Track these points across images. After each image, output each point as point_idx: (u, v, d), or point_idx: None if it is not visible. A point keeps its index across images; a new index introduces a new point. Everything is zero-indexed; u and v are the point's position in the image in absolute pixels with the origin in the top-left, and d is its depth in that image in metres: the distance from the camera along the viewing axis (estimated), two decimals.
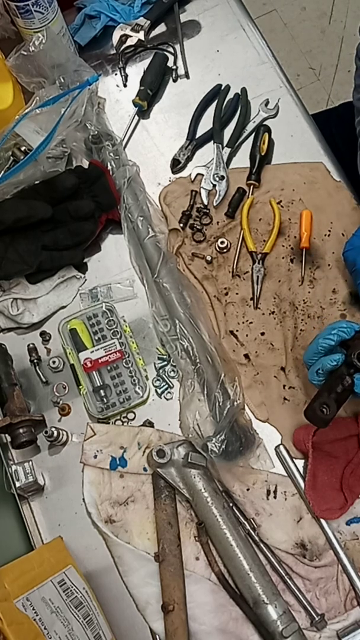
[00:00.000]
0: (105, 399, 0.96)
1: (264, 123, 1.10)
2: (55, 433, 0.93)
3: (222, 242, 1.03)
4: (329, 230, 1.03)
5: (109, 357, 0.98)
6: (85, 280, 1.05)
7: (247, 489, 0.90)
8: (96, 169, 1.05)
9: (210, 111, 1.12)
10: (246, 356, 0.98)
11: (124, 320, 1.01)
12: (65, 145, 1.07)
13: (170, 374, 0.98)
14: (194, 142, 1.10)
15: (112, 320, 1.01)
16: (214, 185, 1.07)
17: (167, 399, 0.97)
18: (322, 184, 1.06)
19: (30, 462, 0.92)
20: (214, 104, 1.12)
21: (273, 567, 0.87)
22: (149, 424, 0.96)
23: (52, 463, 0.96)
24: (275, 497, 0.90)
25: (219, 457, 0.87)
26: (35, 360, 1.00)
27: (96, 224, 1.04)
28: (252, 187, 1.06)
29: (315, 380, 0.85)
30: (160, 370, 0.98)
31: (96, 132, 1.08)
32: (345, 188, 1.05)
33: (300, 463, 0.92)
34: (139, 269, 1.04)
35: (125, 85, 1.17)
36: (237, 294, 1.01)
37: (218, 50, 1.17)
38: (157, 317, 0.99)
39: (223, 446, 0.87)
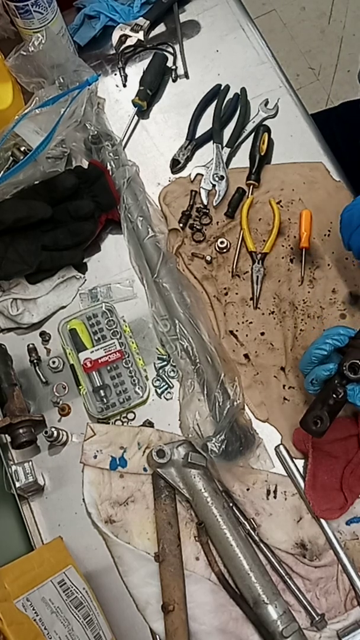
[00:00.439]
0: (105, 399, 0.96)
1: (264, 123, 1.10)
2: (55, 433, 0.93)
3: (221, 242, 1.03)
4: (329, 230, 1.03)
5: (109, 357, 0.98)
6: (85, 280, 1.05)
7: (247, 489, 0.90)
8: (96, 169, 1.05)
9: (210, 111, 1.12)
10: (246, 356, 0.98)
11: (124, 320, 1.01)
12: (65, 145, 1.07)
13: (170, 374, 0.98)
14: (194, 142, 1.10)
15: (112, 320, 1.01)
16: (214, 185, 1.07)
17: (167, 399, 0.97)
18: (321, 184, 1.06)
19: (30, 462, 0.92)
20: (213, 104, 1.12)
21: (273, 567, 0.87)
22: (149, 424, 0.96)
23: (52, 463, 0.96)
24: (275, 497, 0.90)
25: (219, 457, 0.87)
26: (35, 361, 1.00)
27: (96, 224, 1.04)
28: (251, 187, 1.06)
29: (310, 390, 0.85)
30: (160, 370, 0.98)
31: (96, 132, 1.08)
32: (345, 188, 1.05)
33: (300, 463, 0.92)
34: (139, 269, 1.04)
35: (124, 85, 1.17)
36: (236, 294, 1.01)
37: (217, 50, 1.17)
38: (156, 317, 0.99)
39: (223, 446, 0.87)
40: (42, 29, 1.07)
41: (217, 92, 1.13)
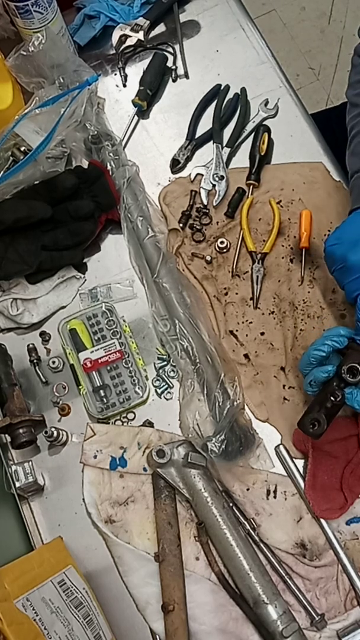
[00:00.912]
0: (105, 399, 0.96)
1: (264, 123, 1.10)
2: (55, 433, 0.93)
3: (221, 242, 1.03)
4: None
5: (109, 357, 0.98)
6: (85, 280, 1.05)
7: (247, 489, 0.90)
8: (96, 169, 1.05)
9: (210, 111, 1.12)
10: (246, 356, 0.98)
11: (124, 320, 1.01)
12: (65, 145, 1.07)
13: (170, 374, 0.98)
14: (194, 142, 1.10)
15: (112, 320, 1.01)
16: (214, 185, 1.07)
17: (167, 399, 0.97)
18: (321, 183, 1.06)
19: (30, 462, 0.92)
20: (213, 104, 1.12)
21: (273, 567, 0.87)
22: (148, 424, 0.96)
23: (52, 463, 0.96)
24: (275, 497, 0.90)
25: (219, 457, 0.87)
26: (35, 361, 1.00)
27: (96, 224, 1.04)
28: (251, 187, 1.06)
29: (309, 391, 0.85)
30: (160, 370, 0.98)
31: (96, 132, 1.08)
32: (345, 188, 1.05)
33: (300, 463, 0.92)
34: (139, 269, 1.04)
35: (124, 85, 1.17)
36: (236, 293, 1.01)
37: (217, 50, 1.17)
38: (156, 317, 0.99)
39: (223, 446, 0.87)
40: (42, 29, 1.07)
41: (217, 92, 1.13)
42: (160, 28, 1.21)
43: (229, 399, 0.91)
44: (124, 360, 0.98)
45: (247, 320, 1.00)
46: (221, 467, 0.89)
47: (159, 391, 0.98)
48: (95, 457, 0.93)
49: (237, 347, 0.98)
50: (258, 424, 0.94)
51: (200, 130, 1.11)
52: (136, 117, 1.14)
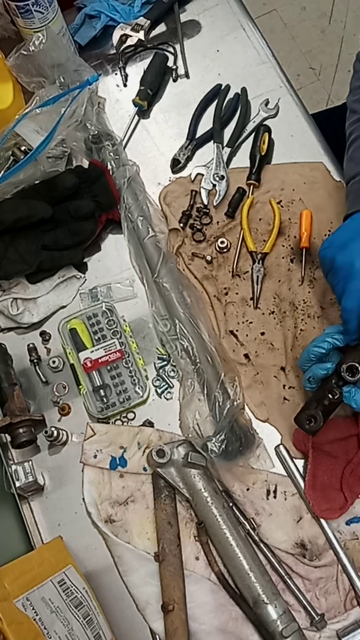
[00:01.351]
0: (105, 399, 0.96)
1: (264, 123, 1.10)
2: (55, 433, 0.93)
3: (222, 242, 1.03)
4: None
5: (109, 357, 0.98)
6: (85, 280, 1.05)
7: (247, 489, 0.90)
8: (96, 169, 1.05)
9: (210, 111, 1.12)
10: (246, 356, 0.98)
11: (124, 320, 1.01)
12: (65, 145, 1.07)
13: (170, 374, 0.98)
14: (194, 142, 1.10)
15: (112, 320, 1.01)
16: (214, 185, 1.07)
17: (167, 399, 0.97)
18: (322, 184, 1.06)
19: (30, 462, 0.92)
20: (214, 104, 1.12)
21: (273, 567, 0.87)
22: (149, 423, 0.96)
23: (52, 463, 0.96)
24: (275, 497, 0.90)
25: (219, 457, 0.87)
26: (35, 360, 1.00)
27: (96, 224, 1.04)
28: (252, 187, 1.06)
29: (307, 387, 0.85)
30: (160, 370, 0.98)
31: (96, 132, 1.08)
32: (345, 188, 1.05)
33: (300, 463, 0.92)
34: (139, 268, 1.04)
35: (125, 85, 1.17)
36: (237, 293, 1.01)
37: (218, 50, 1.17)
38: (157, 317, 0.99)
39: (223, 446, 0.87)
40: (43, 29, 1.07)
41: (217, 92, 1.13)
42: (161, 28, 1.21)
43: (229, 399, 0.91)
44: (124, 360, 0.98)
45: (247, 320, 1.00)
46: (221, 467, 0.89)
47: (159, 391, 0.98)
48: (95, 456, 0.93)
49: (237, 347, 0.98)
50: (258, 424, 0.94)
51: (201, 130, 1.11)
52: (137, 117, 1.14)
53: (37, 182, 1.04)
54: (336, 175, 1.06)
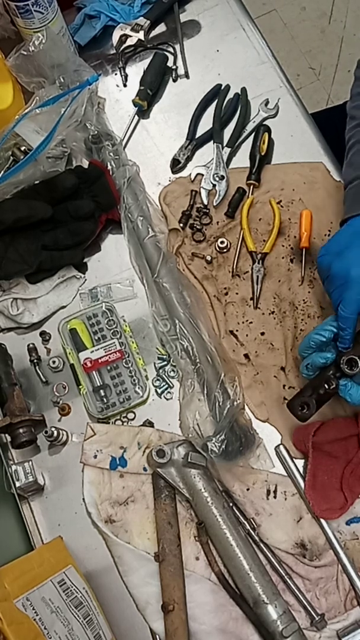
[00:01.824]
0: (105, 399, 0.96)
1: (264, 123, 1.10)
2: (55, 433, 0.93)
3: (222, 242, 1.03)
4: (329, 230, 1.03)
5: (109, 357, 0.98)
6: (85, 280, 1.05)
7: (247, 489, 0.90)
8: (96, 169, 1.05)
9: (210, 111, 1.12)
10: (246, 356, 0.98)
11: (124, 320, 1.01)
12: (65, 145, 1.07)
13: (170, 374, 0.98)
14: (194, 142, 1.10)
15: (112, 320, 1.01)
16: (214, 185, 1.07)
17: (167, 399, 0.97)
18: (322, 183, 1.06)
19: (30, 462, 0.92)
20: (213, 104, 1.12)
21: (273, 567, 0.87)
22: (149, 424, 0.96)
23: (52, 463, 0.96)
24: (275, 497, 0.90)
25: (219, 457, 0.87)
26: (35, 360, 1.00)
27: (96, 224, 1.04)
28: (252, 187, 1.06)
29: (304, 374, 0.86)
30: (160, 370, 0.98)
31: (96, 132, 1.08)
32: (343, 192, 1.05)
33: (300, 463, 0.92)
34: (139, 268, 1.04)
35: (125, 85, 1.17)
36: (237, 293, 1.01)
37: (218, 50, 1.17)
38: (157, 317, 0.99)
39: (223, 446, 0.87)
40: (43, 29, 1.07)
41: (217, 92, 1.13)
42: (161, 28, 1.21)
43: (229, 399, 0.91)
44: (124, 360, 0.98)
45: (247, 320, 1.00)
46: (221, 467, 0.89)
47: (159, 391, 0.98)
48: (95, 456, 0.93)
49: (237, 347, 0.98)
50: (258, 424, 0.94)
51: (201, 130, 1.11)
52: (136, 117, 1.14)
53: (37, 182, 1.04)
54: (336, 175, 1.06)
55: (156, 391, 0.98)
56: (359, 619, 0.85)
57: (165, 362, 0.99)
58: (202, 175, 1.08)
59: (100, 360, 0.97)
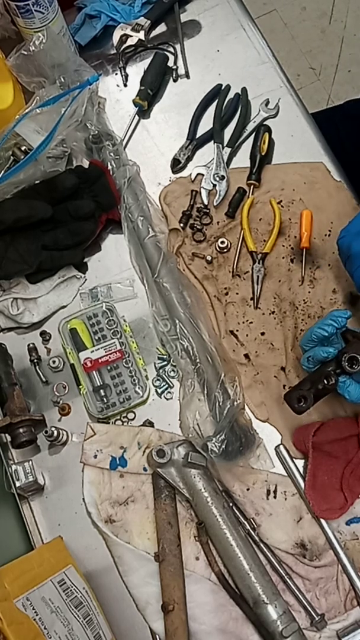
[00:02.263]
0: (105, 399, 0.96)
1: (264, 123, 1.10)
2: (55, 433, 0.93)
3: (222, 242, 1.03)
4: (329, 230, 1.03)
5: (109, 357, 0.98)
6: (86, 280, 1.05)
7: (247, 489, 0.90)
8: (96, 169, 1.05)
9: (211, 111, 1.12)
10: (246, 356, 0.98)
11: (124, 320, 1.01)
12: (66, 145, 1.07)
13: (170, 374, 0.98)
14: (194, 142, 1.10)
15: (112, 320, 1.01)
16: (214, 185, 1.07)
17: (167, 399, 0.97)
18: (322, 184, 1.06)
19: (30, 462, 0.92)
20: (214, 104, 1.12)
21: (273, 567, 0.87)
22: (149, 423, 0.96)
23: (52, 463, 0.96)
24: (275, 497, 0.90)
25: (219, 457, 0.87)
26: (35, 360, 1.00)
27: (96, 224, 1.04)
28: (252, 187, 1.06)
29: (304, 366, 0.86)
30: (160, 370, 0.98)
31: (96, 132, 1.08)
32: (345, 188, 1.05)
33: (300, 463, 0.92)
34: (139, 268, 1.04)
35: (125, 85, 1.17)
36: (237, 293, 1.01)
37: (218, 50, 1.17)
38: (157, 316, 0.99)
39: (223, 446, 0.87)
40: (43, 29, 1.07)
41: (217, 92, 1.13)
42: (161, 28, 1.21)
43: (229, 399, 0.91)
44: (124, 360, 0.98)
45: (247, 320, 1.00)
46: (221, 467, 0.89)
47: (159, 391, 0.98)
48: (95, 456, 0.93)
49: (237, 347, 0.98)
50: (258, 424, 0.94)
51: (201, 130, 1.11)
52: (137, 117, 1.14)
53: (37, 182, 1.04)
54: (336, 175, 1.06)
55: (156, 391, 0.98)
56: (359, 619, 0.85)
57: (166, 362, 0.99)
58: (203, 175, 1.08)
59: (100, 360, 0.97)
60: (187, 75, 1.16)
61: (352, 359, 0.81)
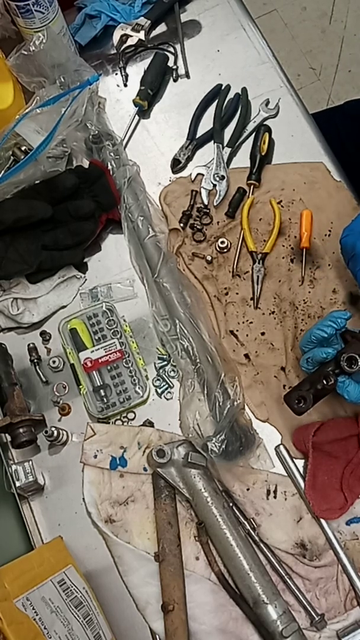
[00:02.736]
0: (105, 399, 0.96)
1: (265, 123, 1.10)
2: (55, 433, 0.93)
3: (222, 242, 1.03)
4: (329, 230, 1.03)
5: (109, 357, 0.98)
6: (86, 280, 1.05)
7: (247, 489, 0.90)
8: (96, 169, 1.05)
9: (211, 111, 1.12)
10: (246, 356, 0.98)
11: (124, 320, 1.01)
12: (66, 145, 1.07)
13: (170, 374, 0.98)
14: (195, 142, 1.10)
15: (112, 320, 1.01)
16: (214, 185, 1.07)
17: (167, 399, 0.97)
18: (322, 184, 1.06)
19: (30, 462, 0.92)
20: (214, 104, 1.12)
21: (273, 567, 0.87)
22: (149, 423, 0.96)
23: (52, 463, 0.96)
24: (275, 497, 0.90)
25: (219, 457, 0.87)
26: (35, 360, 1.00)
27: (96, 224, 1.04)
28: (252, 187, 1.06)
29: (304, 367, 0.86)
30: (160, 370, 0.98)
31: (96, 132, 1.08)
32: (345, 188, 1.05)
33: (300, 463, 0.92)
34: (139, 268, 1.04)
35: (125, 85, 1.17)
36: (237, 293, 1.01)
37: (218, 50, 1.17)
38: (157, 316, 0.99)
39: (223, 446, 0.87)
40: (43, 29, 1.07)
41: (217, 92, 1.13)
42: (161, 28, 1.21)
43: (229, 399, 0.91)
44: (124, 360, 0.98)
45: (247, 320, 1.00)
46: (221, 467, 0.89)
47: (159, 391, 0.98)
48: (95, 456, 0.93)
49: (237, 347, 0.98)
50: (258, 424, 0.94)
51: (201, 130, 1.11)
52: (137, 117, 1.14)
53: (37, 182, 1.04)
54: (336, 175, 1.06)
55: (156, 391, 0.98)
56: (358, 619, 0.85)
57: (166, 362, 0.99)
58: (203, 175, 1.08)
59: (100, 360, 0.97)
60: (187, 75, 1.16)
61: (350, 358, 0.81)
